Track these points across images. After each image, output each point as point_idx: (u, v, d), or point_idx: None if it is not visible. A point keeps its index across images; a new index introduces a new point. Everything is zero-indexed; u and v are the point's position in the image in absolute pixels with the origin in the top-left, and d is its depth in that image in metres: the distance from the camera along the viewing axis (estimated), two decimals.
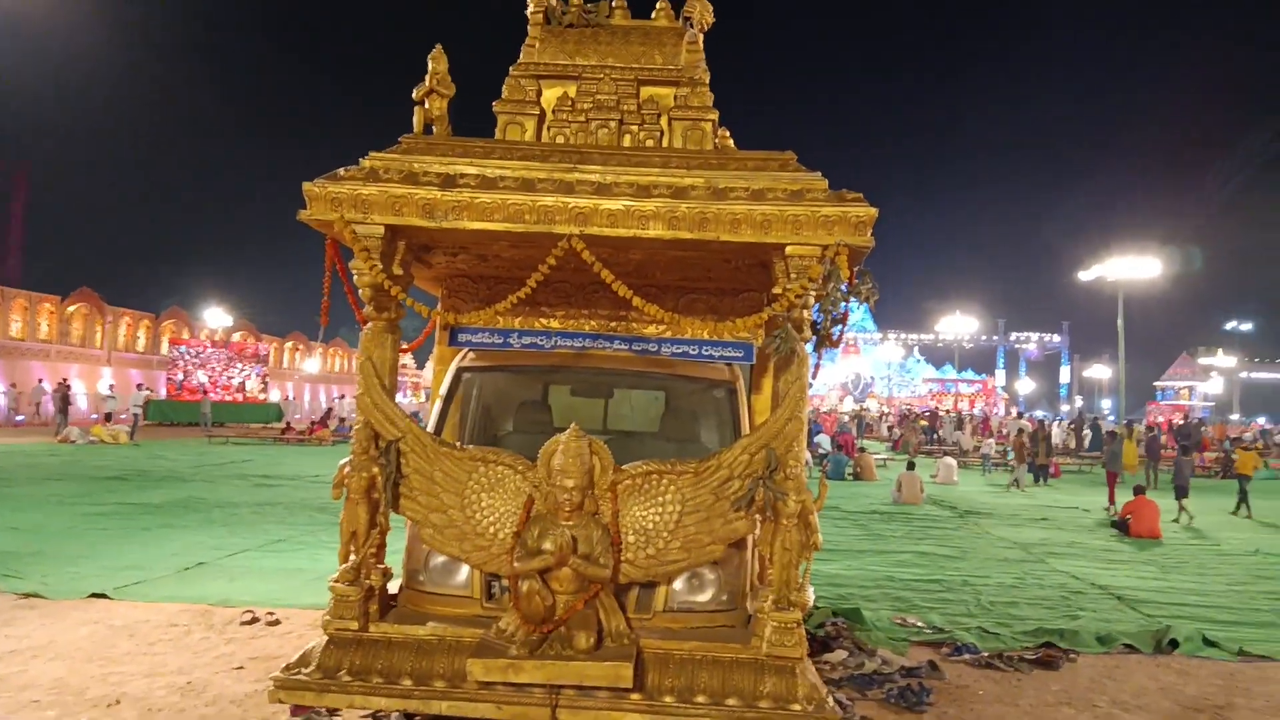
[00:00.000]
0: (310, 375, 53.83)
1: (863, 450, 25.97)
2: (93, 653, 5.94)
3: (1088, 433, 32.89)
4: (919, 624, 7.46)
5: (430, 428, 4.89)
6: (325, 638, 4.07)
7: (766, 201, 4.00)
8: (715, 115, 4.96)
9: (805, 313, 4.17)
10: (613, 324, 5.38)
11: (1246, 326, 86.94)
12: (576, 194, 4.04)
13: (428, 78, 4.81)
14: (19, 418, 31.46)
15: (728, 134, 5.92)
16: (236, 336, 44.71)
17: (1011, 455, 22.83)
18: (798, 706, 3.78)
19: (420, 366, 56.04)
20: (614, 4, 5.37)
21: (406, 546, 4.45)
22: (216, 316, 46.25)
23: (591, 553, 3.92)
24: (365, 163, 4.19)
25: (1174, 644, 7.05)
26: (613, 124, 4.89)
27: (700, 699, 3.81)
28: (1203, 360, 74.76)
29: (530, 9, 5.23)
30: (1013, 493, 20.00)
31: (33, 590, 7.51)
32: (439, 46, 4.91)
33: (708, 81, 5.04)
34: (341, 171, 4.14)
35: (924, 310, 78.96)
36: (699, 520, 4.01)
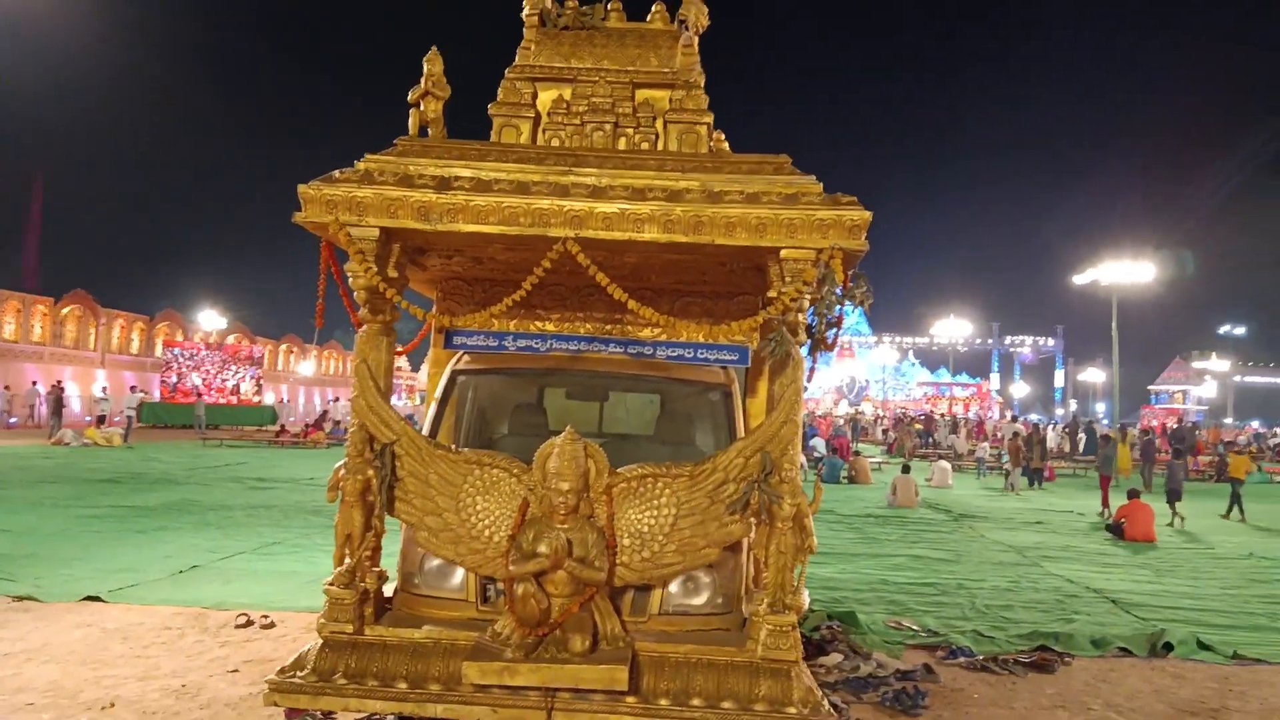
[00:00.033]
0: (305, 378, 53.75)
1: (858, 454, 26.02)
2: (87, 656, 5.93)
3: (1082, 436, 32.98)
4: (914, 627, 7.46)
5: (425, 431, 4.88)
6: (320, 641, 4.06)
7: (761, 205, 4.01)
8: (710, 118, 4.96)
9: (800, 316, 4.17)
10: (608, 327, 5.38)
11: (1240, 331, 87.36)
12: (571, 197, 4.04)
13: (423, 80, 4.82)
14: (12, 420, 31.36)
15: (723, 137, 5.93)
16: (231, 339, 44.63)
17: (1006, 459, 22.87)
18: (793, 710, 3.78)
19: (415, 369, 56.00)
20: (609, 7, 5.38)
21: (401, 549, 4.45)
22: (211, 319, 46.20)
23: (587, 556, 3.91)
24: (360, 165, 4.19)
25: (1168, 647, 7.06)
26: (608, 127, 4.90)
27: (695, 702, 3.80)
28: (1197, 364, 75.07)
29: (526, 11, 5.23)
30: (1008, 496, 20.04)
31: (26, 593, 7.49)
32: (434, 49, 4.91)
33: (703, 84, 5.04)
34: (336, 174, 4.14)
35: (919, 314, 79.16)
36: (694, 523, 4.01)
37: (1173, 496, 15.79)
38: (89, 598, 7.42)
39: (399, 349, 4.75)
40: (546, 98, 5.03)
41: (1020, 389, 78.77)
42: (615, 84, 4.99)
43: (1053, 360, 79.92)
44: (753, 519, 4.00)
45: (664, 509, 4.01)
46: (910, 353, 74.30)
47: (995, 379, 75.61)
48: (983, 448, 28.36)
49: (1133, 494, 14.08)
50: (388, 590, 4.44)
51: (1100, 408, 74.61)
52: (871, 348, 72.10)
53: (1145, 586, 9.80)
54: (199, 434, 30.57)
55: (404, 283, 4.47)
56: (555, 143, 4.84)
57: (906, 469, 18.07)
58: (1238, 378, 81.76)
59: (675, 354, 5.21)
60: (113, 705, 5.06)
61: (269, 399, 42.64)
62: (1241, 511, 16.54)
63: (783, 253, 4.03)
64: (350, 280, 4.22)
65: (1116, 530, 13.63)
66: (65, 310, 36.60)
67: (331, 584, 4.09)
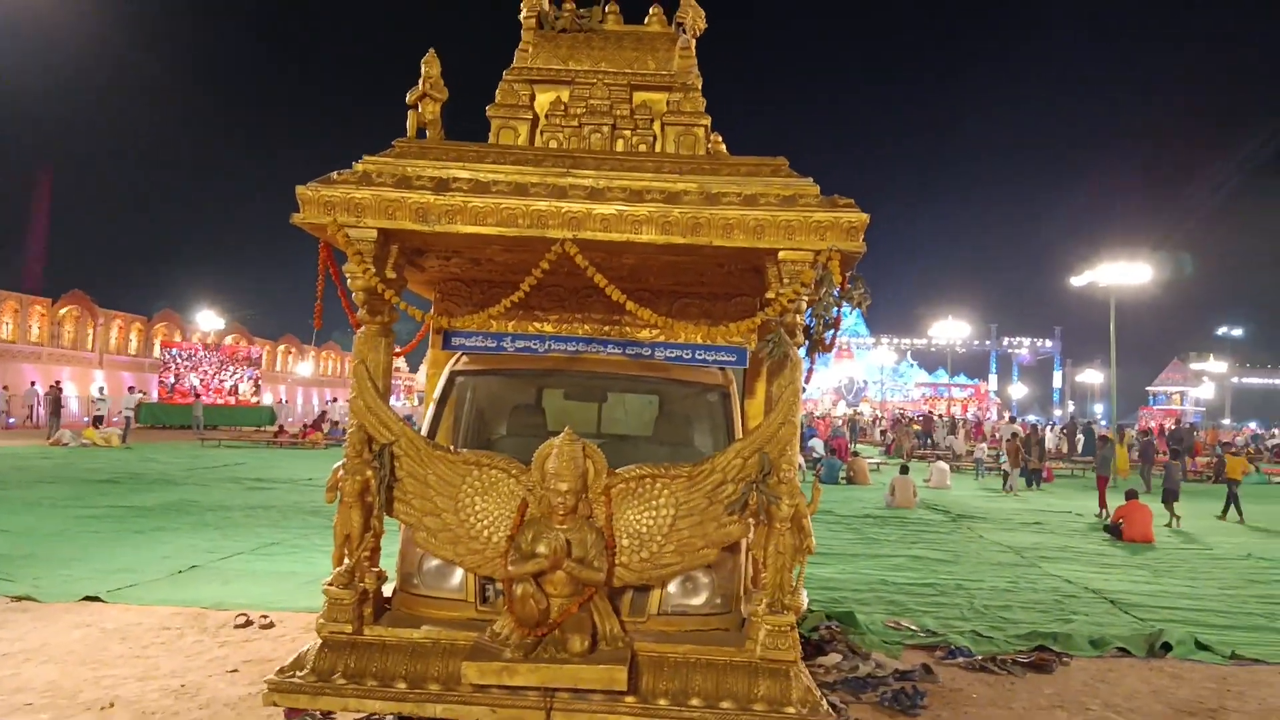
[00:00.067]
0: (303, 378, 53.73)
1: (856, 454, 26.03)
2: (85, 656, 5.93)
3: (1080, 437, 32.99)
4: (913, 627, 7.47)
5: (424, 431, 4.89)
6: (319, 641, 4.07)
7: (759, 207, 4.02)
8: (708, 120, 4.97)
9: (798, 317, 4.18)
10: (606, 328, 5.38)
11: (1238, 332, 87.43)
12: (570, 198, 4.05)
13: (421, 82, 4.82)
14: (10, 420, 31.34)
15: (720, 139, 5.94)
16: (229, 339, 44.60)
17: (1004, 459, 22.88)
18: (792, 710, 3.79)
19: (414, 370, 56.00)
20: (607, 9, 5.39)
21: (400, 550, 4.45)
22: (209, 319, 46.18)
23: (586, 556, 3.92)
24: (358, 166, 4.20)
25: (1167, 647, 7.07)
26: (606, 129, 4.90)
27: (694, 702, 3.81)
28: (1194, 365, 75.15)
29: (524, 14, 5.24)
30: (1006, 497, 20.05)
31: (25, 593, 7.49)
32: (432, 51, 4.91)
33: (700, 87, 5.05)
34: (335, 175, 4.14)
35: (917, 315, 79.27)
36: (693, 524, 4.02)
37: (1170, 497, 15.80)
38: (88, 598, 7.42)
39: (397, 350, 4.76)
40: (544, 100, 5.03)
41: (1018, 390, 78.87)
42: (613, 86, 5.00)
43: (1051, 361, 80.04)
44: (751, 519, 4.01)
45: (662, 509, 4.02)
46: (908, 354, 74.39)
47: (993, 380, 75.71)
48: (981, 448, 28.37)
49: (1131, 495, 14.10)
50: (387, 590, 4.45)
51: (1098, 409, 74.67)
52: (870, 349, 72.17)
53: (1143, 587, 9.81)
54: (197, 434, 30.54)
55: (402, 284, 4.47)
56: (553, 144, 4.84)
57: (905, 470, 18.08)
58: (1235, 379, 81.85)
59: (673, 355, 5.22)
60: (112, 705, 5.07)
61: (267, 399, 42.63)
62: (1239, 512, 16.55)
63: (780, 254, 4.04)
64: (348, 281, 4.23)
65: (1115, 531, 13.64)
66: (63, 310, 36.59)
67: (330, 584, 4.10)
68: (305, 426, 34.09)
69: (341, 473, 4.15)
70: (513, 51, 5.19)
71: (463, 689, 3.80)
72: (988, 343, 76.01)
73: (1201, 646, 7.16)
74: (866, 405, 64.83)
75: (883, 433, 44.67)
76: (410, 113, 4.78)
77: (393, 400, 4.51)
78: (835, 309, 4.38)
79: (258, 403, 39.85)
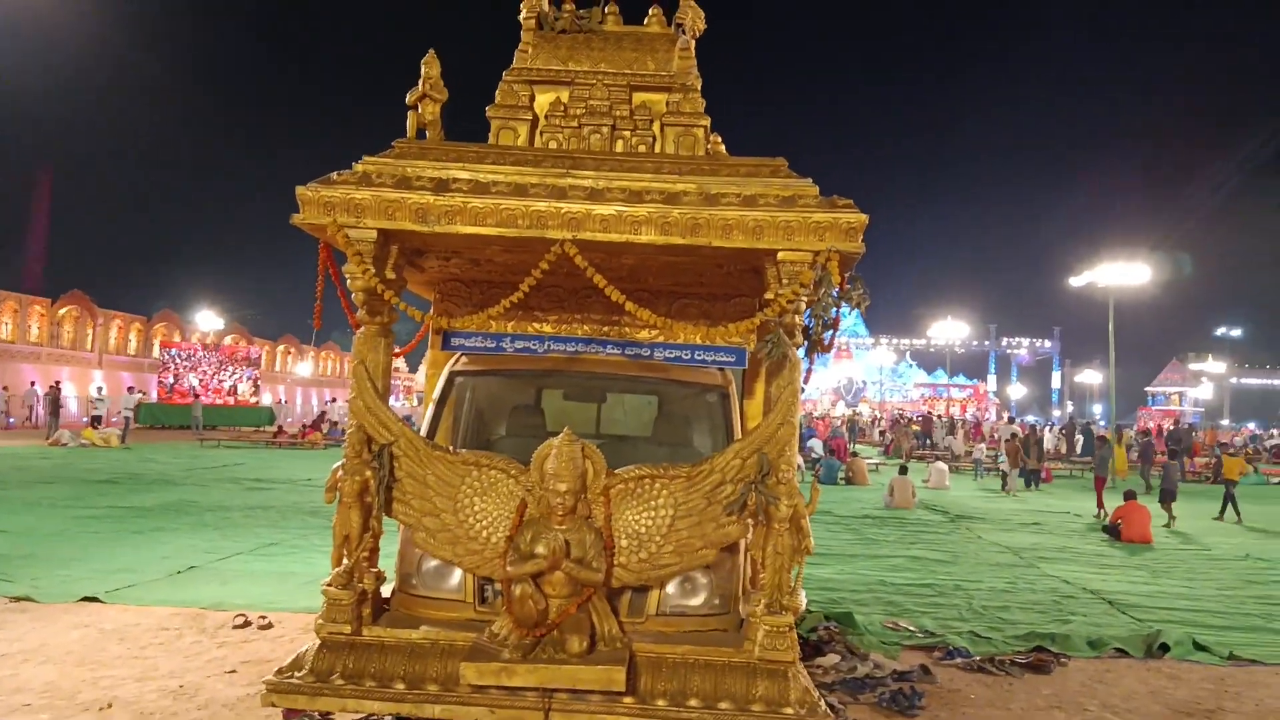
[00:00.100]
0: (302, 378, 53.71)
1: (855, 455, 26.03)
2: (84, 656, 5.93)
3: (1079, 438, 33.00)
4: (911, 628, 7.48)
5: (423, 432, 4.89)
6: (318, 641, 4.07)
7: (758, 207, 4.02)
8: (707, 121, 4.97)
9: (797, 318, 4.18)
10: (605, 328, 5.39)
11: (1236, 332, 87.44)
12: (569, 199, 4.05)
13: (421, 82, 4.82)
14: (10, 420, 31.33)
15: (719, 140, 5.94)
16: (228, 339, 44.58)
17: (1003, 460, 22.90)
18: (790, 710, 3.79)
19: (413, 370, 55.99)
20: (606, 10, 5.39)
21: (399, 550, 4.46)
22: (208, 319, 46.16)
23: (584, 557, 3.92)
24: (358, 167, 4.20)
25: (1164, 648, 7.08)
26: (605, 129, 4.91)
27: (693, 703, 3.81)
28: (1193, 366, 75.19)
29: (523, 15, 5.25)
30: (1004, 497, 20.06)
31: (24, 594, 7.49)
32: (432, 51, 4.92)
33: (700, 87, 5.05)
34: (335, 175, 4.15)
35: (916, 315, 79.27)
36: (691, 524, 4.02)
37: (1167, 497, 15.81)
38: (86, 598, 7.42)
39: (397, 350, 4.76)
40: (544, 100, 5.04)
41: (1017, 390, 78.93)
42: (613, 87, 5.00)
43: (1049, 362, 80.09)
44: (750, 520, 4.01)
45: (661, 510, 4.02)
46: (908, 354, 74.46)
47: (992, 380, 75.75)
48: (980, 449, 28.39)
49: (1129, 495, 14.11)
50: (385, 591, 4.45)
51: (1097, 409, 74.71)
52: (869, 349, 72.21)
53: (1141, 587, 9.82)
54: (196, 435, 30.54)
55: (402, 284, 4.48)
56: (553, 145, 4.85)
57: (904, 470, 18.09)
58: (1234, 379, 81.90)
59: (672, 355, 5.23)
60: (110, 706, 5.07)
61: (266, 400, 42.63)
62: (1237, 512, 16.56)
63: (779, 255, 4.04)
64: (348, 282, 4.24)
65: (1113, 531, 13.65)
66: (62, 310, 36.55)
67: (329, 585, 4.10)
68: (304, 427, 34.09)
69: (341, 473, 4.15)
70: (512, 52, 5.19)
71: (461, 690, 3.80)
72: (987, 343, 76.06)
73: (1199, 647, 7.16)
74: (865, 405, 64.86)
75: (881, 433, 44.70)
76: (410, 113, 4.78)
77: (392, 400, 4.51)
78: (834, 309, 4.39)
79: (257, 403, 39.84)
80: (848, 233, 4.00)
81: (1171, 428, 39.42)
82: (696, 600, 4.29)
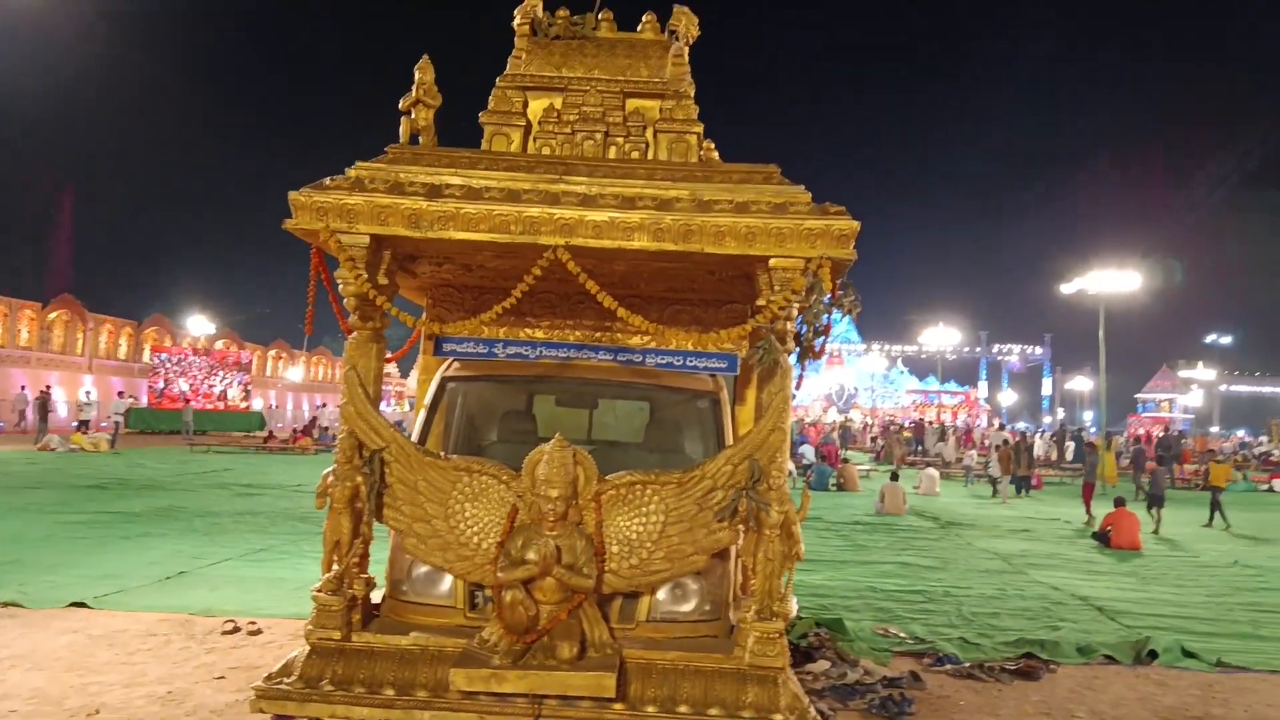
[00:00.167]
0: (293, 384, 53.57)
1: (846, 461, 26.06)
2: (72, 662, 5.90)
3: (1070, 445, 33.11)
4: (901, 634, 7.49)
5: (414, 437, 4.89)
6: (307, 647, 4.05)
7: (750, 214, 4.03)
8: (700, 128, 4.99)
9: (788, 324, 4.19)
10: (597, 334, 5.40)
11: (1226, 340, 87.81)
12: (562, 205, 4.06)
13: (414, 88, 4.82)
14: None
15: (712, 146, 5.95)
16: (219, 344, 44.42)
17: (993, 466, 22.96)
18: (780, 716, 3.79)
19: (405, 376, 55.85)
20: (600, 17, 5.41)
21: (390, 556, 4.45)
22: (199, 324, 45.95)
23: (575, 563, 3.92)
24: (351, 172, 4.20)
25: (1153, 655, 7.11)
26: (598, 136, 4.92)
27: (682, 709, 3.81)
28: (1183, 373, 75.41)
29: (517, 21, 5.26)
30: (995, 504, 20.10)
31: (11, 599, 7.45)
32: (425, 57, 4.92)
33: (693, 94, 5.07)
34: (327, 181, 4.15)
35: (907, 322, 79.23)
36: (682, 530, 4.02)
37: (1155, 503, 15.89)
38: (74, 604, 7.38)
39: (388, 355, 4.76)
40: (537, 106, 5.05)
41: (1008, 397, 79.02)
42: (606, 93, 5.02)
43: (1040, 368, 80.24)
44: (741, 526, 4.02)
45: (652, 516, 4.02)
46: (899, 360, 74.50)
47: (983, 387, 75.83)
48: (970, 455, 28.45)
49: (1119, 502, 14.16)
50: (375, 597, 4.44)
51: (1087, 416, 74.89)
52: (860, 355, 72.27)
53: (1130, 594, 9.86)
54: (186, 440, 30.43)
55: (394, 290, 4.48)
56: (546, 151, 4.86)
57: (895, 476, 18.13)
58: (1224, 387, 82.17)
59: (664, 361, 5.23)
60: (98, 712, 5.04)
61: (257, 405, 42.47)
62: (1225, 519, 16.64)
63: (771, 261, 4.05)
64: (340, 287, 4.23)
65: (1102, 538, 13.70)
66: (53, 315, 36.37)
67: (319, 590, 4.09)
68: (295, 432, 33.99)
69: (331, 478, 4.14)
70: (506, 58, 5.20)
71: (451, 696, 3.79)
72: (978, 350, 76.16)
73: (1188, 654, 7.19)
74: (857, 412, 64.89)
75: (873, 439, 44.76)
76: (403, 119, 4.78)
77: (383, 406, 4.50)
78: (826, 316, 4.39)
79: (247, 408, 39.66)
80: (840, 239, 4.02)
81: (1161, 434, 39.57)
82: (687, 606, 4.29)
